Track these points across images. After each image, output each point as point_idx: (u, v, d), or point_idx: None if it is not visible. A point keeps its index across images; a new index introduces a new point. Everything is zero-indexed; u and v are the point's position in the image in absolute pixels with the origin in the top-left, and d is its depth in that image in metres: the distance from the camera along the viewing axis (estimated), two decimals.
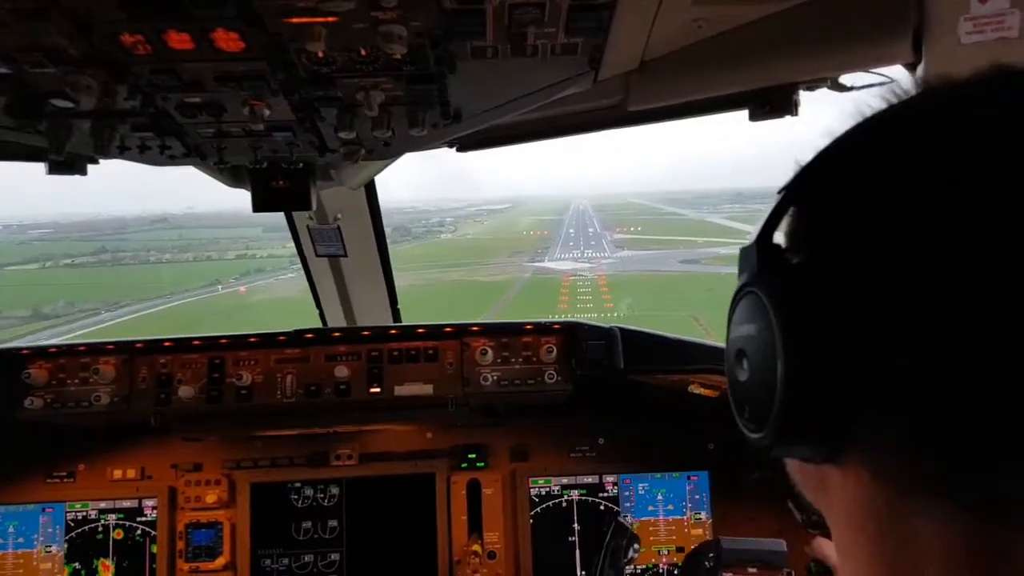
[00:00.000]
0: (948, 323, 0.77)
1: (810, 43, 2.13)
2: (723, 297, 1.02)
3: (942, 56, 1.94)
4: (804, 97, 2.45)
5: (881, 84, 2.27)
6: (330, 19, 1.76)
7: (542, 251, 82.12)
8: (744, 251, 1.02)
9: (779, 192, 0.98)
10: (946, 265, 0.78)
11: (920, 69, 2.05)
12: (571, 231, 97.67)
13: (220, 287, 63.69)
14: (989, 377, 0.76)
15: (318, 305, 4.65)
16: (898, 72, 2.24)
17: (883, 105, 0.95)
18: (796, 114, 2.44)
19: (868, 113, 0.94)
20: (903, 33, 1.97)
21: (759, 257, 0.98)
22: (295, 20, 1.77)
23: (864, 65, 2.19)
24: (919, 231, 0.80)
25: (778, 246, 0.98)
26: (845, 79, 2.32)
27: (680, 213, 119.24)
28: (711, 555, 2.82)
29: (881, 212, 0.84)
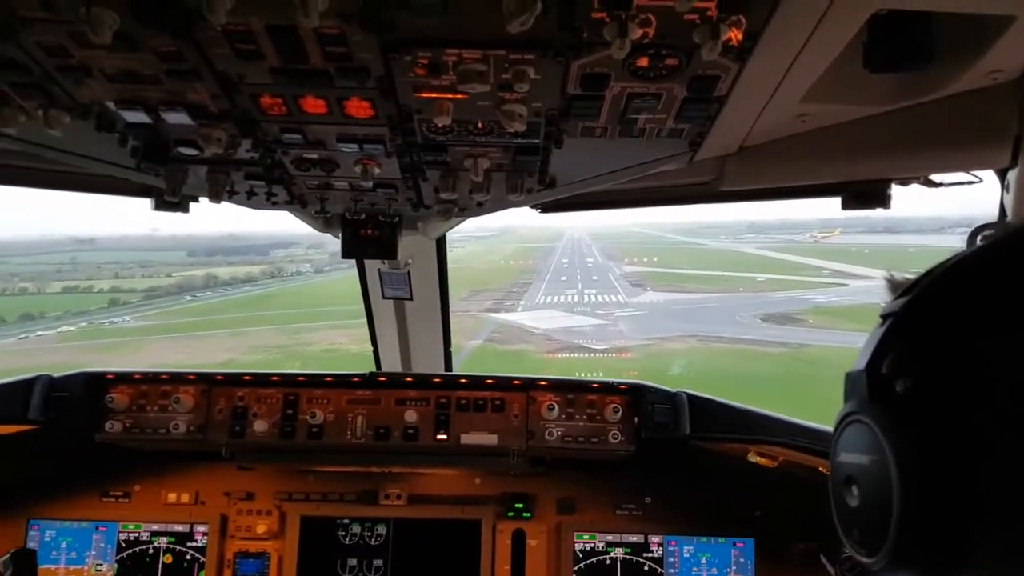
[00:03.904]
0: None
1: (909, 143, 2.19)
2: None
3: None
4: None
5: (971, 183, 2.34)
6: (460, 96, 1.86)
7: (519, 289, 56.96)
8: (850, 376, 1.06)
9: (882, 316, 1.04)
10: None
11: (1012, 175, 2.11)
12: (564, 261, 75.22)
13: None
14: None
15: (374, 345, 4.73)
16: (987, 174, 2.32)
17: (985, 242, 1.02)
18: (888, 207, 2.50)
19: (972, 248, 1.01)
20: (1004, 140, 2.03)
21: (869, 386, 1.02)
22: (427, 95, 1.88)
23: (959, 167, 2.26)
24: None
25: (886, 375, 1.01)
26: (936, 176, 2.39)
27: (698, 242, 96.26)
28: None
29: (991, 344, 0.89)
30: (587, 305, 48.69)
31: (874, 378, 1.02)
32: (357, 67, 1.74)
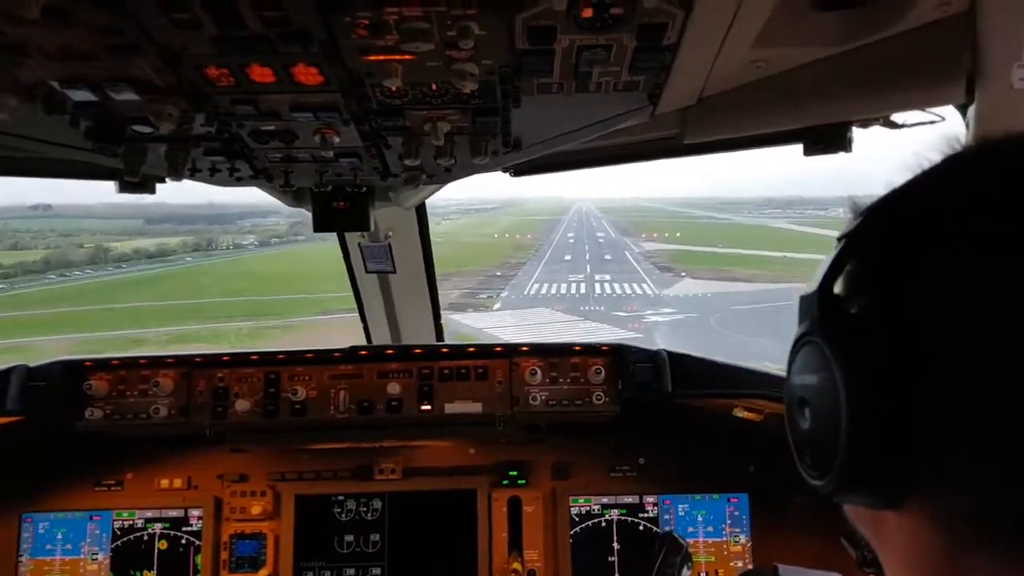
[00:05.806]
0: (1017, 377, 0.79)
1: (865, 83, 2.18)
2: None
3: (994, 100, 1.99)
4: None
5: (932, 123, 2.33)
6: (408, 57, 1.85)
7: (506, 272, 45.09)
8: (804, 299, 1.04)
9: (839, 239, 1.01)
10: (1013, 322, 0.80)
11: (972, 111, 2.10)
12: (570, 236, 64.98)
13: None
14: None
15: (364, 320, 4.74)
16: (949, 112, 2.30)
17: (941, 157, 0.97)
18: (850, 150, 2.50)
19: (927, 166, 0.97)
20: (957, 76, 2.02)
21: (821, 306, 1.00)
22: (374, 58, 1.87)
23: (917, 105, 2.24)
24: (980, 286, 0.83)
25: (838, 296, 1.00)
26: (897, 117, 2.37)
27: (723, 217, 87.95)
28: None
29: (946, 266, 0.86)
30: (600, 300, 37.46)
31: (826, 298, 1.00)
32: (298, 31, 1.72)
